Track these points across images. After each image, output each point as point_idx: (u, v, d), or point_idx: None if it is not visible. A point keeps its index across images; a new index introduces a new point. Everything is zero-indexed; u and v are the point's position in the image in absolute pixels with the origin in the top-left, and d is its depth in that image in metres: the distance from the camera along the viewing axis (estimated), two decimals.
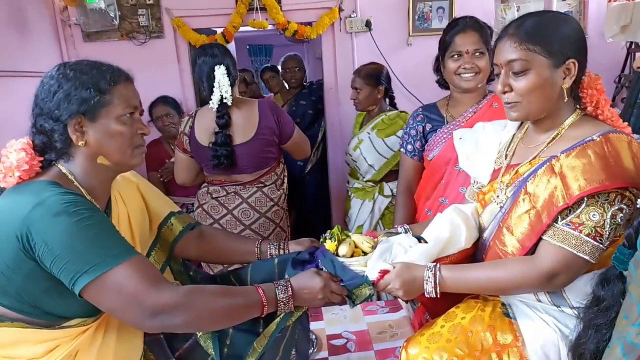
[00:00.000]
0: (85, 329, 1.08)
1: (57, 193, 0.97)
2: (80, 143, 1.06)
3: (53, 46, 3.13)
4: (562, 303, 1.13)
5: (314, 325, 2.37)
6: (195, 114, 2.13)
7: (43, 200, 0.95)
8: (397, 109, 2.71)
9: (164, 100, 2.98)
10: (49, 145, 1.07)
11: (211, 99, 2.03)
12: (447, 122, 1.81)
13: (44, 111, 1.05)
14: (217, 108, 2.03)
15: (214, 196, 2.15)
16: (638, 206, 0.86)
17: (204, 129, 2.08)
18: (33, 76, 2.71)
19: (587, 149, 1.05)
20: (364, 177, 2.63)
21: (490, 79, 1.76)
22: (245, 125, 2.09)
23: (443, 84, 1.88)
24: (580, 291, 1.10)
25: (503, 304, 1.23)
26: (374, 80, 2.58)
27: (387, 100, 2.73)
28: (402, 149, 2.00)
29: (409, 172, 1.98)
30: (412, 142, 1.92)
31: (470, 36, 1.68)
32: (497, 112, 1.67)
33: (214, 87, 2.02)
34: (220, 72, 2.01)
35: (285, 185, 2.30)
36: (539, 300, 1.16)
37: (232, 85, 2.05)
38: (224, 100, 2.02)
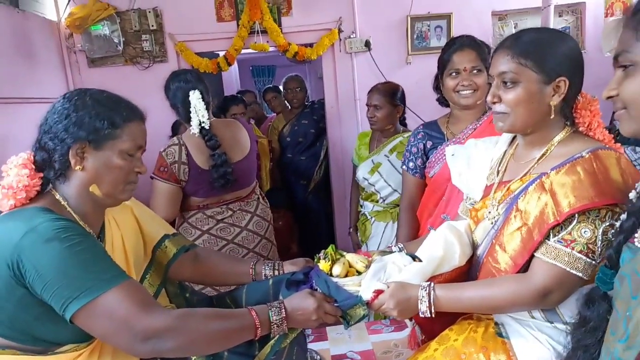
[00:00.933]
0: (78, 354, 1.07)
1: (49, 219, 0.98)
2: (77, 167, 1.08)
3: (59, 72, 3.20)
4: (556, 319, 1.12)
5: (318, 346, 2.35)
6: (182, 142, 2.07)
7: (35, 226, 0.96)
8: (407, 128, 2.65)
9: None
10: (47, 163, 1.08)
11: (190, 125, 2.05)
12: (448, 139, 1.83)
13: (52, 130, 1.07)
14: (200, 132, 2.04)
15: (219, 218, 2.16)
16: (616, 225, 0.86)
17: (201, 153, 2.07)
18: (40, 102, 2.77)
19: (577, 165, 1.05)
20: (384, 200, 2.56)
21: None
22: (239, 143, 2.16)
23: (443, 101, 1.90)
24: (573, 306, 1.08)
25: (496, 324, 1.22)
26: (394, 98, 2.53)
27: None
28: (404, 166, 2.02)
29: (411, 190, 1.99)
30: (414, 159, 1.94)
31: (468, 54, 1.72)
32: None
33: (190, 112, 2.03)
34: (195, 97, 2.02)
35: (265, 198, 2.42)
36: (533, 317, 1.15)
37: (207, 109, 2.07)
38: (203, 125, 2.04)
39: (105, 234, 1.20)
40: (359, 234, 2.76)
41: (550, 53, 1.11)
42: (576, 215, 1.03)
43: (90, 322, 0.98)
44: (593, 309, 0.88)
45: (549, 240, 1.07)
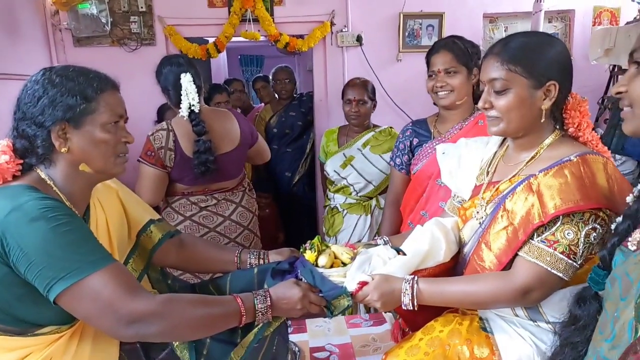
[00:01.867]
0: (59, 336, 1.05)
1: (35, 198, 0.96)
2: (63, 150, 1.05)
3: (43, 50, 3.12)
4: (539, 318, 1.14)
5: (297, 337, 2.35)
6: (171, 127, 2.05)
7: (20, 204, 0.94)
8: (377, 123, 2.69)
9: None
10: (30, 150, 1.05)
11: (180, 108, 2.03)
12: (434, 138, 1.86)
13: (27, 116, 1.04)
14: (189, 117, 2.03)
15: (202, 205, 2.14)
16: (612, 228, 0.88)
17: (187, 139, 2.05)
18: (22, 79, 2.66)
19: (564, 168, 1.07)
20: (357, 193, 2.59)
21: (478, 95, 1.78)
22: (228, 134, 2.14)
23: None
24: (556, 306, 1.11)
25: (481, 318, 1.24)
26: (373, 95, 2.59)
27: None
28: (391, 162, 2.07)
29: (396, 185, 2.04)
30: (401, 155, 1.98)
31: (443, 56, 1.75)
32: (482, 129, 1.71)
33: (181, 95, 2.02)
34: (186, 79, 2.00)
35: (253, 190, 2.40)
36: (516, 315, 1.17)
37: (198, 93, 2.06)
38: (192, 108, 2.02)
39: (90, 216, 1.17)
40: (325, 227, 2.78)
41: (539, 58, 1.12)
42: (560, 217, 1.05)
43: (74, 304, 0.96)
44: (584, 308, 0.90)
45: (532, 240, 1.09)
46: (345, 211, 2.64)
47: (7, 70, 2.63)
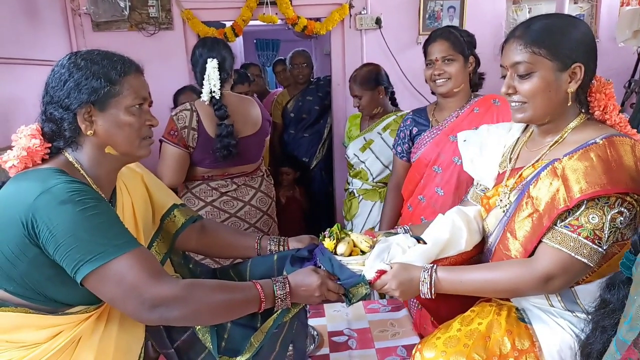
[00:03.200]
0: (87, 316, 1.09)
1: (64, 181, 0.98)
2: (89, 132, 1.07)
3: (62, 35, 3.14)
4: (576, 308, 1.12)
5: (315, 322, 2.38)
6: (194, 108, 2.07)
7: (49, 187, 0.96)
8: (398, 106, 2.69)
9: (192, 88, 2.95)
10: (57, 133, 1.08)
11: (202, 91, 2.07)
12: (432, 126, 1.93)
13: (54, 99, 1.06)
14: (210, 101, 2.06)
15: (222, 191, 2.17)
16: (625, 213, 0.85)
17: (210, 121, 2.08)
18: (42, 64, 2.72)
19: (590, 151, 1.04)
20: (374, 178, 2.59)
21: (475, 83, 1.90)
22: (250, 118, 2.17)
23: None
24: (593, 297, 1.08)
25: (517, 309, 1.22)
26: (372, 83, 2.53)
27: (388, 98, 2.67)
28: (394, 150, 2.15)
29: (398, 171, 2.12)
30: (402, 143, 2.05)
31: (440, 44, 1.82)
32: (478, 116, 1.82)
33: (204, 79, 2.05)
34: (211, 65, 2.03)
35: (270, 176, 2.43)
36: (552, 306, 1.15)
37: (224, 80, 2.08)
38: (213, 94, 2.04)
39: (116, 199, 1.20)
40: (343, 211, 2.81)
41: (563, 39, 1.09)
42: (585, 201, 1.02)
43: (100, 286, 0.98)
44: (614, 292, 0.88)
45: (556, 225, 1.06)
46: (361, 197, 2.65)
47: (28, 55, 2.65)
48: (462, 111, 1.85)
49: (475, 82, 1.91)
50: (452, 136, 1.82)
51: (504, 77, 1.19)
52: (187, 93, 2.91)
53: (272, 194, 2.35)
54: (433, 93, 1.95)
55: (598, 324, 0.91)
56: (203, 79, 2.05)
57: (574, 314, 1.13)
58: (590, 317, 0.98)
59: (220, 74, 2.04)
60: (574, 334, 1.11)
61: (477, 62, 1.89)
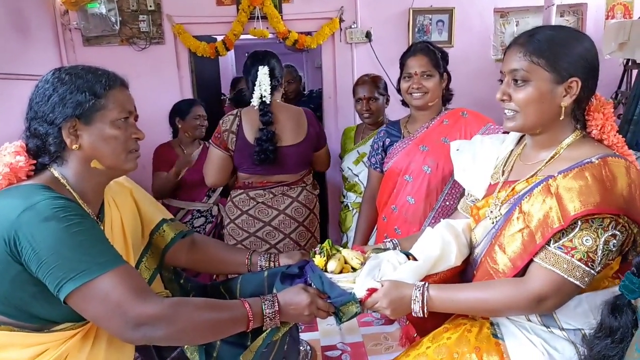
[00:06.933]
0: (74, 333, 1.07)
1: (48, 197, 0.97)
2: (74, 146, 1.06)
3: (53, 50, 3.13)
4: (552, 324, 1.11)
5: (309, 336, 2.36)
6: (239, 114, 2.17)
7: (33, 204, 0.95)
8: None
9: (199, 102, 2.96)
10: (42, 149, 1.07)
11: (252, 98, 2.13)
12: (403, 137, 1.98)
13: (38, 115, 1.06)
14: (259, 106, 2.11)
15: (259, 200, 2.18)
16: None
17: (250, 126, 2.13)
18: (32, 79, 2.67)
19: (585, 171, 1.03)
20: None
21: (446, 98, 1.96)
22: (295, 128, 2.19)
23: (405, 102, 2.01)
24: (570, 313, 1.09)
25: (492, 324, 1.21)
26: (383, 89, 2.61)
27: None
28: (368, 161, 2.17)
29: (372, 183, 2.14)
30: (375, 155, 2.09)
31: (419, 59, 1.86)
32: (447, 127, 1.88)
33: (255, 85, 2.12)
34: (262, 71, 2.11)
35: (318, 188, 2.41)
36: (529, 320, 1.14)
37: (274, 88, 2.15)
38: (263, 99, 2.10)
39: (104, 215, 1.19)
40: (339, 223, 2.83)
41: (564, 52, 1.09)
42: (579, 222, 1.02)
43: (83, 305, 0.97)
44: (620, 319, 0.86)
45: (549, 245, 1.06)
46: (354, 210, 2.66)
47: (18, 70, 2.64)
48: (433, 122, 1.90)
49: (447, 97, 1.97)
50: (422, 146, 1.88)
51: (501, 82, 1.19)
52: (199, 106, 2.89)
53: (313, 206, 2.31)
54: (405, 105, 2.00)
55: (601, 354, 0.88)
56: (253, 85, 2.12)
57: (549, 329, 1.12)
58: (587, 344, 0.95)
59: (271, 81, 2.12)
60: (547, 353, 1.11)
61: (449, 79, 1.94)
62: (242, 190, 2.21)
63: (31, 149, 1.08)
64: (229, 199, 2.28)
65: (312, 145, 2.27)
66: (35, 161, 1.07)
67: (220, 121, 2.18)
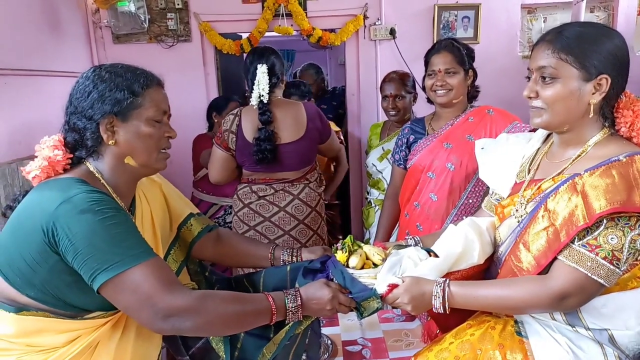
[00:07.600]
0: (105, 321, 1.11)
1: (84, 191, 1.01)
2: (110, 142, 1.11)
3: (84, 47, 3.23)
4: (578, 323, 1.10)
5: (330, 331, 2.39)
6: (240, 113, 2.17)
7: (70, 197, 0.99)
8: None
9: (235, 98, 3.05)
10: (80, 143, 1.12)
11: (251, 97, 2.12)
12: (427, 134, 1.98)
13: (78, 110, 1.11)
14: (258, 106, 2.11)
15: (260, 195, 2.19)
16: None
17: (250, 126, 2.14)
18: (65, 76, 2.80)
19: (612, 169, 1.02)
20: None
21: (472, 96, 1.95)
22: (293, 125, 2.16)
23: (430, 100, 2.01)
24: (596, 313, 1.08)
25: (516, 322, 1.21)
26: (410, 87, 2.61)
27: None
28: (392, 157, 2.18)
29: (395, 179, 2.15)
30: (399, 151, 2.09)
31: (444, 56, 1.86)
32: (472, 125, 1.88)
33: (254, 84, 2.10)
34: (261, 70, 2.08)
35: (323, 185, 2.39)
36: (554, 319, 1.13)
37: (274, 85, 2.12)
38: (262, 98, 2.09)
39: (135, 208, 1.23)
40: (363, 218, 2.84)
41: (593, 49, 1.07)
42: (604, 220, 1.01)
43: (115, 295, 1.01)
44: None
45: (573, 243, 1.05)
46: (377, 207, 2.67)
47: (51, 67, 2.73)
48: (458, 120, 1.90)
49: (473, 94, 1.96)
50: (447, 143, 1.87)
51: (528, 79, 1.17)
52: (236, 102, 2.95)
53: (315, 204, 2.26)
54: (430, 102, 1.99)
55: None
56: (252, 84, 2.12)
57: (574, 328, 1.11)
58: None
59: (270, 79, 2.09)
60: (571, 351, 1.10)
61: (475, 76, 1.93)
62: (246, 184, 2.23)
63: (69, 142, 1.13)
64: (234, 192, 2.29)
65: (313, 141, 2.23)
66: (72, 155, 1.12)
67: (222, 120, 2.20)
